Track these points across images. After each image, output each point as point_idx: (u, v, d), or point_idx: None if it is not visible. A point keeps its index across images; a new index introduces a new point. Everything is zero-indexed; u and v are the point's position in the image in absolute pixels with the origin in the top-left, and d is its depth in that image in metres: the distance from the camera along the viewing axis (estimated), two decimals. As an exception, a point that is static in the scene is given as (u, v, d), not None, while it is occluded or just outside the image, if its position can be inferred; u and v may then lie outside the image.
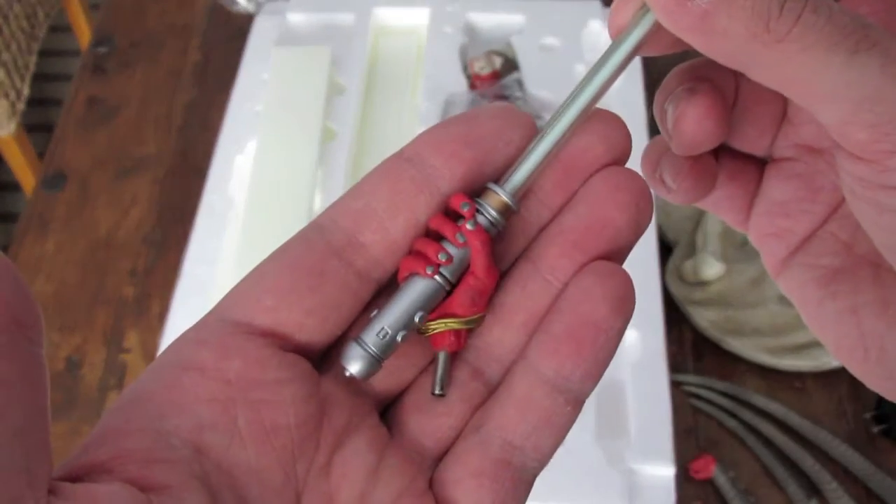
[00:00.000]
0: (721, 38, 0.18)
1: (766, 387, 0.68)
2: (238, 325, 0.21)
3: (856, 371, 0.21)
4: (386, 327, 0.21)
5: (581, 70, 0.76)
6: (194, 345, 0.20)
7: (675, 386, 0.67)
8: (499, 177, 0.22)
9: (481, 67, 0.75)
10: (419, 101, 0.73)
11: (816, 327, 0.22)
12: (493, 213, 0.21)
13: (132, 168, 0.84)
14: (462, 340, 0.22)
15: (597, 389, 0.62)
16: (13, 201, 1.67)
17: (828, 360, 0.67)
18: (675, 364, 0.68)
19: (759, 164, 0.23)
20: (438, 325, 0.21)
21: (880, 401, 0.67)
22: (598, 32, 0.79)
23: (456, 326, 0.21)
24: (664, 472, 0.56)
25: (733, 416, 0.67)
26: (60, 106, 0.90)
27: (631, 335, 0.61)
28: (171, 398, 0.20)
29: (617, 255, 0.21)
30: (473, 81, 0.75)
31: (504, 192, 0.21)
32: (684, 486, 0.63)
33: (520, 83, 0.74)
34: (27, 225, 0.80)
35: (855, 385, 0.68)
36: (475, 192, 0.22)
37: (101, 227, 0.80)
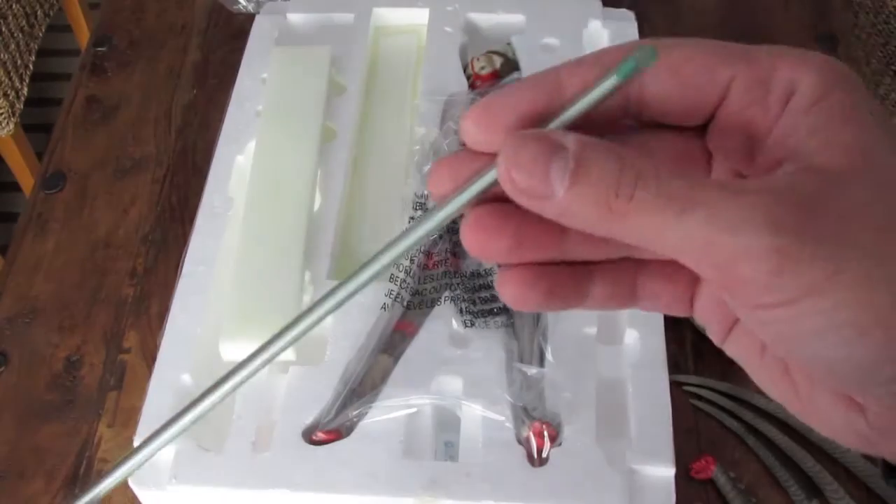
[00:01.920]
0: (575, 219, 0.22)
1: (767, 387, 0.68)
2: None
3: (791, 410, 0.25)
4: None
5: (581, 70, 0.76)
6: None
7: (676, 386, 0.67)
8: None
9: (481, 67, 0.75)
10: (419, 101, 0.73)
11: (755, 378, 0.26)
12: None
13: (131, 168, 0.84)
14: None
15: (597, 389, 0.62)
16: (12, 201, 1.67)
17: (828, 361, 0.67)
18: (675, 364, 0.68)
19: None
20: None
21: (880, 401, 0.66)
22: (598, 32, 0.79)
23: None
24: (664, 472, 0.56)
25: (734, 416, 0.67)
26: (59, 105, 0.90)
27: (631, 335, 0.61)
28: None
29: None
30: (473, 81, 0.75)
31: None
32: (684, 487, 0.63)
33: (520, 83, 0.74)
34: (26, 225, 0.80)
35: (855, 385, 0.68)
36: None
37: (101, 226, 0.80)
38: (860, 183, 0.21)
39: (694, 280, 0.26)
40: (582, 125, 0.23)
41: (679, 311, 0.26)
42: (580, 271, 0.25)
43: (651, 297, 0.26)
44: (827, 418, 0.24)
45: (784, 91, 0.22)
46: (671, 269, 0.25)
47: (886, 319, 0.20)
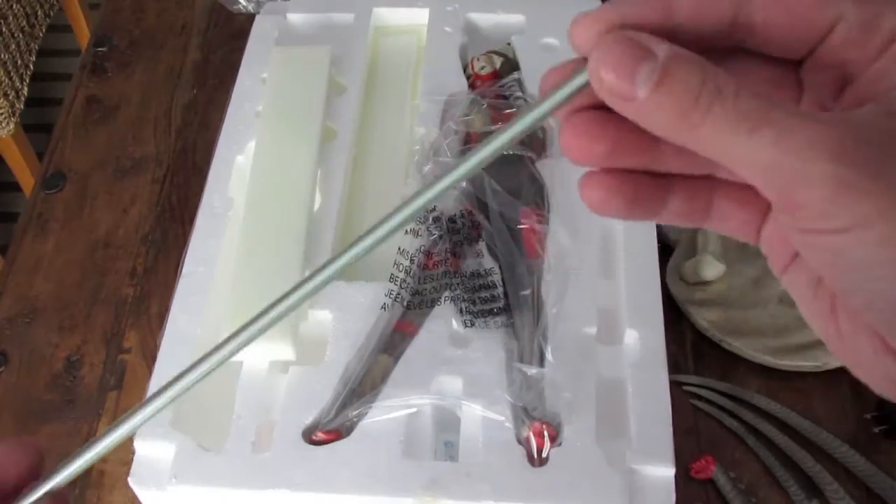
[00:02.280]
0: (654, 124, 0.23)
1: (767, 387, 0.68)
2: None
3: (832, 350, 0.26)
4: None
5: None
6: None
7: (676, 386, 0.67)
8: None
9: (481, 67, 0.75)
10: (419, 101, 0.73)
11: (808, 319, 0.26)
12: None
13: (131, 168, 0.84)
14: None
15: (597, 389, 0.62)
16: (12, 201, 1.67)
17: (829, 361, 0.67)
18: (675, 364, 0.68)
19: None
20: None
21: (881, 401, 0.66)
22: (598, 32, 0.79)
23: None
24: (664, 472, 0.56)
25: (734, 416, 0.67)
26: (60, 105, 0.90)
27: (631, 335, 0.61)
28: None
29: None
30: (473, 81, 0.75)
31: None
32: (685, 487, 0.63)
33: (520, 83, 0.74)
34: (26, 225, 0.80)
35: (856, 385, 0.68)
36: None
37: (101, 226, 0.80)
38: None
39: (764, 209, 0.26)
40: (686, 41, 0.24)
41: (745, 236, 0.27)
42: (662, 183, 0.26)
43: (722, 218, 0.27)
44: (864, 360, 0.25)
45: (887, 37, 0.23)
46: (746, 193, 0.26)
47: None
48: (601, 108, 0.24)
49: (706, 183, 0.27)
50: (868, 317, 0.24)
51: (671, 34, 0.23)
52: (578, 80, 0.24)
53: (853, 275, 0.23)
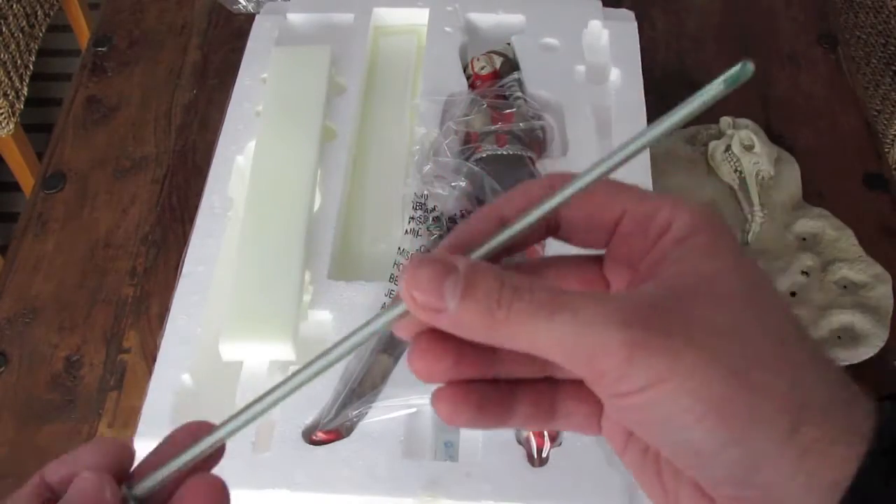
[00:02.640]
0: (467, 329, 0.25)
1: (767, 387, 0.68)
2: None
3: None
4: None
5: (581, 70, 0.76)
6: None
7: (676, 386, 0.67)
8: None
9: (481, 67, 0.75)
10: (419, 101, 0.73)
11: (640, 485, 0.29)
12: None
13: (131, 168, 0.84)
14: None
15: (597, 390, 0.61)
16: (12, 201, 1.67)
17: (828, 361, 0.67)
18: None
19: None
20: None
21: (880, 401, 0.66)
22: (598, 32, 0.79)
23: None
24: (664, 472, 0.56)
25: (733, 416, 0.67)
26: (59, 105, 0.90)
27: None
28: None
29: None
30: (473, 81, 0.75)
31: (130, 494, 0.28)
32: (684, 487, 0.63)
33: (520, 83, 0.74)
34: (26, 225, 0.80)
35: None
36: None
37: (101, 226, 0.80)
38: (705, 299, 0.25)
39: (600, 402, 0.29)
40: (513, 246, 0.28)
41: (589, 430, 0.30)
42: (506, 390, 0.29)
43: (566, 416, 0.30)
44: None
45: (661, 226, 0.27)
46: (582, 390, 0.28)
47: (718, 407, 0.24)
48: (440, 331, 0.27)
49: (547, 386, 0.29)
50: (681, 465, 0.26)
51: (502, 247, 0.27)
52: (397, 309, 0.26)
53: (660, 427, 0.25)
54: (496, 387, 0.29)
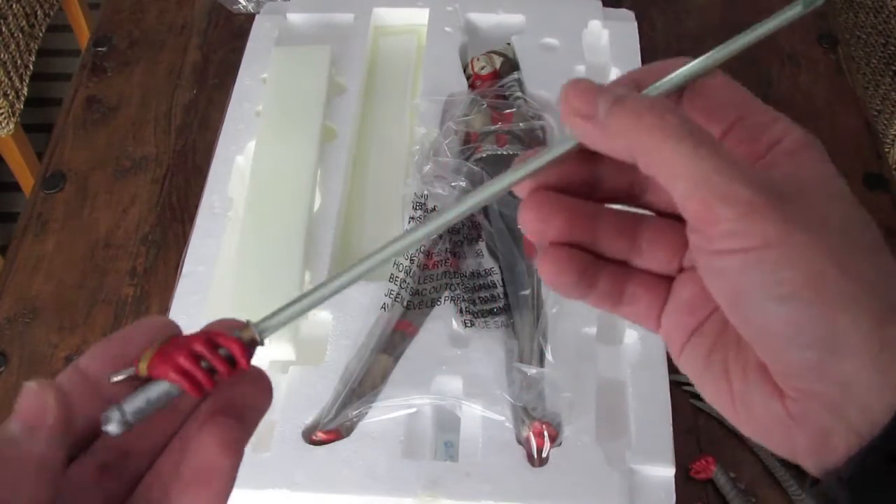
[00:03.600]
0: (615, 138, 0.27)
1: (767, 387, 0.68)
2: None
3: (731, 420, 0.29)
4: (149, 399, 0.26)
5: (581, 70, 0.76)
6: None
7: (676, 386, 0.67)
8: None
9: (481, 67, 0.75)
10: (419, 101, 0.73)
11: (701, 389, 0.30)
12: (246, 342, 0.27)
13: (131, 168, 0.84)
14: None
15: (597, 389, 0.62)
16: (12, 201, 1.67)
17: (828, 361, 0.67)
18: (676, 364, 0.68)
19: (669, 280, 0.31)
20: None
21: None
22: (598, 32, 0.79)
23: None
24: (664, 472, 0.56)
25: (733, 416, 0.67)
26: (59, 105, 0.90)
27: (631, 335, 0.61)
28: None
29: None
30: (473, 81, 0.75)
31: (256, 330, 0.28)
32: (685, 486, 0.63)
33: (520, 83, 0.74)
34: (26, 225, 0.80)
35: (855, 385, 0.68)
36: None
37: (101, 226, 0.79)
38: (819, 196, 0.27)
39: (665, 296, 0.30)
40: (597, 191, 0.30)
41: (648, 322, 0.31)
42: (595, 265, 0.30)
43: (631, 302, 0.31)
44: (756, 415, 0.27)
45: (775, 138, 0.28)
46: (653, 280, 0.30)
47: (816, 282, 0.25)
48: (555, 189, 0.29)
49: (624, 269, 0.31)
50: (760, 348, 0.27)
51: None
52: (569, 142, 0.28)
53: (751, 298, 0.26)
54: (590, 257, 0.30)
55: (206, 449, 0.26)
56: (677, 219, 0.29)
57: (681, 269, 0.31)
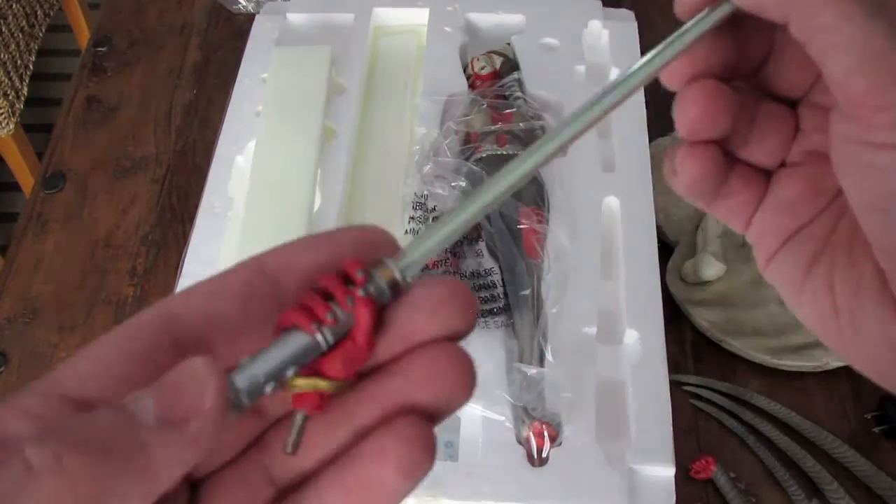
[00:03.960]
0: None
1: (767, 387, 0.68)
2: (64, 399, 0.20)
3: (830, 343, 0.25)
4: (259, 375, 0.20)
5: (581, 70, 0.76)
6: (14, 414, 0.19)
7: (676, 386, 0.67)
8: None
9: (481, 67, 0.75)
10: (419, 101, 0.73)
11: (796, 305, 0.26)
12: (384, 285, 0.22)
13: (131, 168, 0.84)
14: (324, 404, 0.21)
15: (597, 389, 0.62)
16: (12, 201, 1.67)
17: (828, 360, 0.67)
18: (675, 364, 0.68)
19: (767, 173, 0.27)
20: (306, 385, 0.21)
21: (881, 401, 0.66)
22: (598, 32, 0.79)
23: (323, 388, 0.21)
24: (664, 472, 0.56)
25: (734, 416, 0.67)
26: (59, 105, 0.90)
27: (631, 335, 0.61)
28: None
29: (434, 419, 0.22)
30: (473, 81, 0.75)
31: (397, 268, 0.22)
32: (684, 486, 0.63)
33: (520, 83, 0.74)
34: (26, 225, 0.80)
35: (856, 385, 0.68)
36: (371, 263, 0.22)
37: (101, 226, 0.80)
38: None
39: (760, 196, 0.27)
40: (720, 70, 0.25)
41: (739, 220, 0.27)
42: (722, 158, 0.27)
43: (726, 195, 0.27)
44: (866, 339, 0.24)
45: None
46: (753, 174, 0.26)
47: None
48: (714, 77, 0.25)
49: (726, 160, 0.27)
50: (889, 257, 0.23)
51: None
52: (723, 8, 0.24)
53: None
54: (721, 153, 0.26)
55: (381, 467, 0.21)
56: (791, 105, 0.26)
57: (782, 165, 0.27)
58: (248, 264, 0.22)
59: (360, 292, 0.21)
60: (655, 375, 0.59)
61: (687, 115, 0.25)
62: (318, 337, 0.21)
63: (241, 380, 0.20)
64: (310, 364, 0.21)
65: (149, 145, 0.85)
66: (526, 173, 0.23)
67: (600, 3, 0.80)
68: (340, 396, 0.22)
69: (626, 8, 0.81)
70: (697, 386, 0.68)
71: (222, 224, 0.67)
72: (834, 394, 0.68)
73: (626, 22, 0.79)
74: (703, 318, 0.69)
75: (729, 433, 0.67)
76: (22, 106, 1.26)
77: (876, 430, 0.66)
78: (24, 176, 1.33)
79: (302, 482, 0.22)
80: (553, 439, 0.56)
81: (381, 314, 0.22)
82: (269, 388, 0.20)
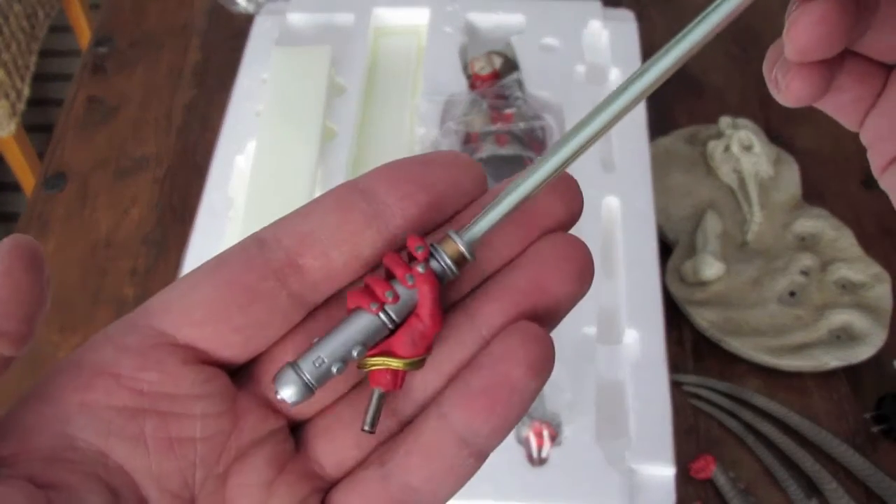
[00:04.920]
0: None
1: (766, 387, 0.68)
2: (162, 335, 0.21)
3: None
4: (323, 356, 0.21)
5: (581, 70, 0.76)
6: (114, 350, 0.21)
7: (675, 386, 0.67)
8: (448, 224, 0.23)
9: (481, 67, 0.75)
10: (419, 101, 0.73)
11: None
12: (448, 260, 0.22)
13: (132, 168, 0.84)
14: (399, 381, 0.22)
15: (597, 389, 0.62)
16: (13, 201, 1.67)
17: (828, 360, 0.67)
18: (675, 364, 0.68)
19: (887, 69, 0.24)
20: (378, 363, 0.22)
21: (880, 401, 0.67)
22: (598, 32, 0.79)
23: (395, 366, 0.22)
24: (664, 472, 0.56)
25: (733, 416, 0.67)
26: (60, 106, 0.90)
27: (631, 335, 0.61)
28: (82, 400, 0.21)
29: (550, 319, 0.23)
30: (473, 81, 0.75)
31: (462, 242, 0.22)
32: (684, 486, 0.63)
33: (520, 83, 0.74)
34: (27, 225, 0.80)
35: (855, 385, 0.68)
36: (432, 235, 0.23)
37: (101, 227, 0.80)
38: None
39: (878, 92, 0.24)
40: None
41: (850, 117, 0.25)
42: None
43: (838, 89, 0.24)
44: None
45: None
46: (869, 68, 0.24)
47: None
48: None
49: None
50: None
51: None
52: None
53: None
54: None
55: (511, 366, 0.21)
56: None
57: None
58: (341, 185, 0.23)
59: (419, 269, 0.22)
60: (655, 375, 0.59)
61: (803, 30, 0.21)
62: (381, 316, 0.22)
63: (308, 364, 0.21)
64: (381, 343, 0.22)
65: (149, 145, 0.85)
66: (596, 132, 0.22)
67: (600, 3, 0.80)
68: (463, 302, 0.23)
69: (626, 8, 0.81)
70: (697, 386, 0.68)
71: (222, 224, 0.67)
72: (833, 394, 0.68)
73: (626, 22, 0.79)
74: (703, 318, 0.70)
75: (728, 433, 0.67)
76: (23, 106, 1.27)
77: (875, 429, 0.66)
78: (26, 176, 1.33)
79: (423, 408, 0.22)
80: (553, 439, 0.56)
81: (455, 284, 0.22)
82: (335, 370, 0.21)
